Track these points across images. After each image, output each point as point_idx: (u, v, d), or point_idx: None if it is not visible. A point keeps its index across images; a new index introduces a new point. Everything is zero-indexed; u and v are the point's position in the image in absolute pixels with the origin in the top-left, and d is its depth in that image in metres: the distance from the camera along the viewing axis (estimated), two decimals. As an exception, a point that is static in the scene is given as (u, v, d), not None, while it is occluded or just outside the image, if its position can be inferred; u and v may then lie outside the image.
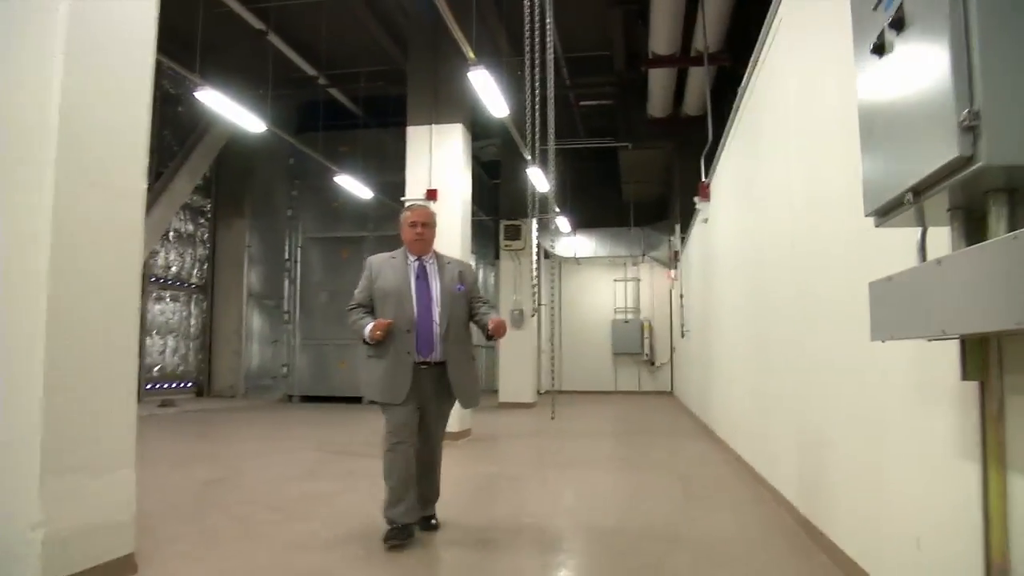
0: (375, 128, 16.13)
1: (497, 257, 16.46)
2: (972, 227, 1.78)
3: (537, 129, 9.30)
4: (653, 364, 20.52)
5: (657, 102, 14.71)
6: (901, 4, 1.74)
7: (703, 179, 9.63)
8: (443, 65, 9.61)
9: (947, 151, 1.52)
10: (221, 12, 11.50)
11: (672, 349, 19.52)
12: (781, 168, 4.91)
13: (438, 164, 9.40)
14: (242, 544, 4.01)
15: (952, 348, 2.09)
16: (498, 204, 16.68)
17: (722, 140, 8.17)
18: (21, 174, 2.93)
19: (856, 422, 3.22)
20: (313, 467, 6.86)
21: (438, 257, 4.35)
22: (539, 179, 11.58)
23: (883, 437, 2.83)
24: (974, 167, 1.48)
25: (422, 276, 4.22)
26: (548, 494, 5.76)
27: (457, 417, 8.47)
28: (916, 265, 1.95)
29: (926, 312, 1.79)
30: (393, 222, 14.75)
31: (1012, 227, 1.61)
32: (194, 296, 16.80)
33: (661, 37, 11.96)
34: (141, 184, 3.41)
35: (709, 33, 11.14)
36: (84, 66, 3.06)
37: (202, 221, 17.03)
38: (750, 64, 5.99)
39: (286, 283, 17.10)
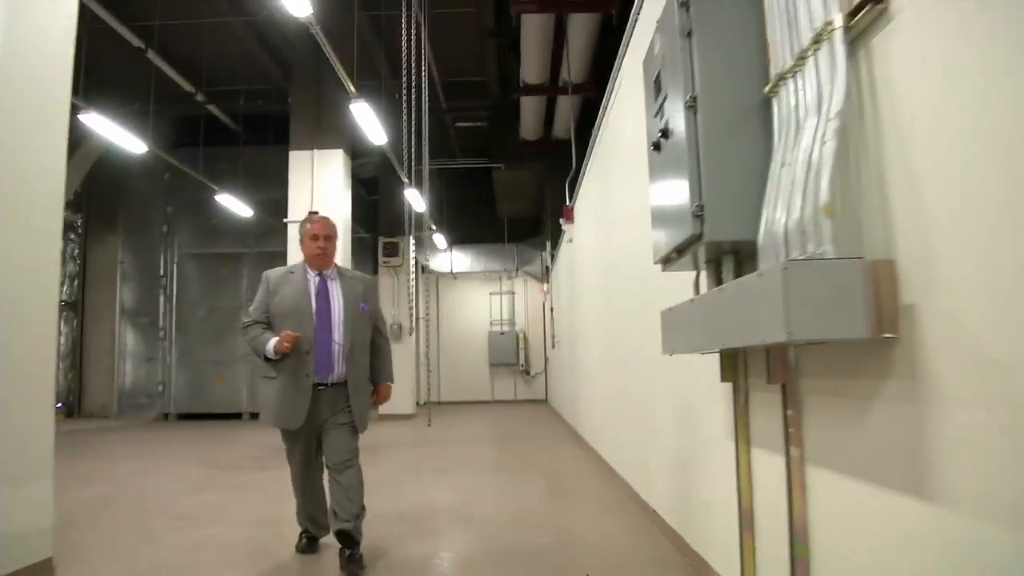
0: (255, 145, 16.28)
1: (376, 272, 16.91)
2: (719, 275, 2.55)
3: (413, 152, 9.93)
4: (528, 374, 21.41)
5: (529, 126, 15.57)
6: (667, 120, 2.49)
7: (567, 202, 10.49)
8: (325, 92, 10.10)
9: (687, 229, 2.26)
10: (99, 28, 11.51)
11: (546, 359, 20.47)
12: (623, 201, 5.73)
13: (320, 187, 9.88)
14: (149, 548, 4.42)
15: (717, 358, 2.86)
16: (377, 221, 17.14)
17: (583, 167, 9.03)
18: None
19: (675, 415, 4.02)
20: (201, 481, 7.19)
21: (340, 272, 4.09)
22: (416, 199, 12.15)
23: (695, 425, 3.61)
24: (703, 240, 2.22)
25: (323, 292, 3.94)
26: (426, 494, 6.36)
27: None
28: (684, 301, 2.71)
29: (690, 335, 2.54)
30: (273, 239, 15.11)
31: (737, 276, 2.36)
32: (63, 313, 16.38)
33: (531, 67, 12.81)
34: (57, 225, 3.83)
35: (573, 65, 12.03)
36: (6, 114, 3.47)
37: (72, 237, 16.62)
38: (604, 100, 6.83)
39: (161, 299, 16.92)
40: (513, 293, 21.67)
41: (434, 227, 16.40)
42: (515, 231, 20.11)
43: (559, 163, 13.95)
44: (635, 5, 4.87)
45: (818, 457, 2.10)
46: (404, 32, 8.94)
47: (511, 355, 21.20)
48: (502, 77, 15.12)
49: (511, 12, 11.07)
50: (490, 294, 21.74)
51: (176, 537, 4.69)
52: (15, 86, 3.52)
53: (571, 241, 10.71)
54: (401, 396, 15.79)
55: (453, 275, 20.42)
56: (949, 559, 1.51)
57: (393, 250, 16.06)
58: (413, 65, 9.21)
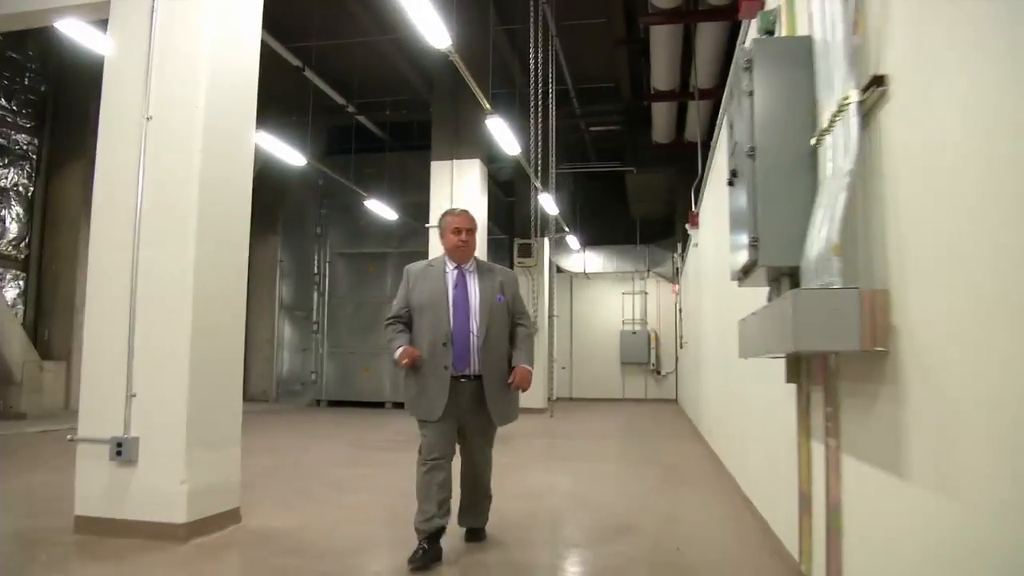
0: (399, 152, 17.43)
1: (511, 272, 17.67)
2: (778, 291, 3.00)
3: (543, 159, 10.55)
4: (659, 373, 21.63)
5: (660, 129, 15.86)
6: (736, 162, 2.97)
7: (693, 208, 10.83)
8: (463, 107, 10.87)
9: (747, 256, 2.74)
10: (263, 51, 12.83)
11: (676, 359, 20.66)
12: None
13: (458, 194, 10.67)
14: (311, 506, 5.27)
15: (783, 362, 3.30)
16: (513, 222, 17.91)
17: (705, 174, 9.36)
18: (172, 238, 4.21)
19: (763, 413, 4.44)
20: (351, 458, 8.13)
21: (479, 264, 4.13)
22: (548, 203, 12.79)
23: (775, 422, 4.04)
24: (758, 265, 2.70)
25: (461, 285, 4.00)
26: (548, 479, 6.98)
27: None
28: (750, 313, 3.17)
29: (754, 342, 3.01)
30: (415, 240, 16.19)
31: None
32: (231, 307, 18.13)
33: (660, 74, 13.16)
34: (244, 238, 4.69)
35: (701, 71, 12.29)
36: (212, 159, 4.33)
37: (239, 239, 18.37)
38: (719, 110, 7.20)
39: (315, 295, 18.41)
40: (645, 293, 21.93)
41: (567, 229, 17.02)
42: (647, 232, 20.41)
43: (690, 166, 14.18)
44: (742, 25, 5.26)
45: (849, 447, 2.54)
46: (532, 46, 9.60)
47: (642, 354, 21.48)
48: (634, 82, 15.52)
49: (639, 24, 11.51)
50: (623, 294, 22.07)
51: (332, 499, 5.53)
52: (218, 122, 4.39)
53: (696, 245, 11.03)
54: (534, 390, 16.46)
55: (586, 275, 20.95)
56: (917, 526, 1.94)
57: (527, 251, 16.73)
58: (541, 78, 9.86)
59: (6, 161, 12.23)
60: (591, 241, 19.88)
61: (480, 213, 10.89)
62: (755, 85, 2.75)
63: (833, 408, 2.64)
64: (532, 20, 9.58)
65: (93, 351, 4.32)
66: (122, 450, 4.12)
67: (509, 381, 4.02)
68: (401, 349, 3.89)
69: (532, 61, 9.64)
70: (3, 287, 12.06)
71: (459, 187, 10.69)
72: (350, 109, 16.10)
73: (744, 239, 2.86)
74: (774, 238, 2.64)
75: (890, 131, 2.14)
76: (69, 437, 4.33)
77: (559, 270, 20.36)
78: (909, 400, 1.98)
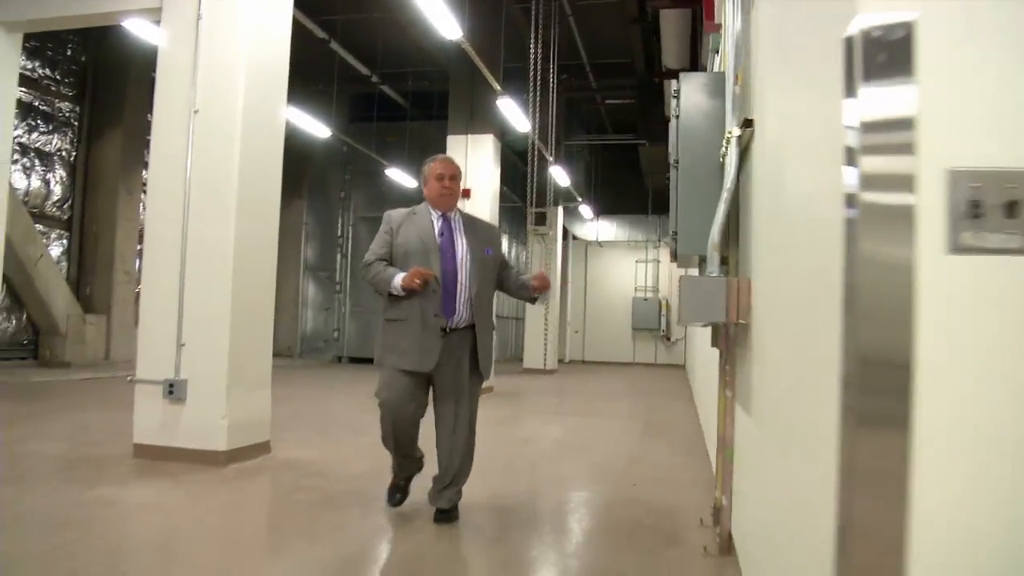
0: (420, 120, 18.12)
1: (526, 240, 18.46)
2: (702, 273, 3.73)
3: (560, 131, 11.23)
4: (669, 339, 22.39)
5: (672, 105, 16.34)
6: (678, 155, 3.69)
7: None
8: (478, 85, 11.53)
9: (673, 245, 3.49)
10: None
11: (685, 327, 21.39)
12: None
13: (472, 167, 11.39)
14: (328, 443, 6.13)
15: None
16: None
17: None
18: (216, 215, 5.01)
19: (711, 373, 5.20)
20: (368, 406, 8.96)
21: (463, 215, 3.99)
22: (559, 175, 13.47)
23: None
24: (678, 251, 3.44)
25: (447, 234, 3.83)
26: (543, 428, 7.81)
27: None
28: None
29: (684, 312, 3.76)
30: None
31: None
32: (259, 267, 19.11)
33: (671, 53, 13.66)
34: (275, 218, 5.50)
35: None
36: (249, 149, 5.11)
37: (266, 201, 19.29)
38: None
39: (338, 257, 19.28)
40: (658, 261, 22.59)
41: (580, 199, 17.71)
42: (659, 203, 21.01)
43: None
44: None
45: (737, 397, 3.30)
46: (533, 30, 10.24)
47: (653, 320, 22.23)
48: (647, 58, 16.04)
49: (647, 8, 12.06)
50: (636, 262, 22.76)
51: (348, 439, 6.39)
52: (254, 117, 5.16)
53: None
54: (547, 353, 17.34)
55: (599, 243, 21.65)
56: (768, 456, 2.70)
57: (542, 219, 17.44)
58: (555, 57, 10.52)
59: (50, 127, 13.09)
60: (605, 210, 20.57)
61: (493, 183, 11.62)
62: (680, 110, 3.47)
63: (730, 367, 3.40)
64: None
65: (149, 308, 5.18)
66: (173, 390, 4.98)
67: (535, 287, 3.96)
68: (402, 274, 3.64)
69: (532, 44, 10.30)
70: (49, 245, 13.00)
71: (473, 160, 11.39)
72: (374, 79, 16.77)
73: (673, 228, 3.61)
74: (688, 234, 3.38)
75: (756, 161, 2.86)
76: (129, 379, 5.20)
77: (574, 238, 21.09)
78: (755, 360, 2.73)
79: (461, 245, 3.84)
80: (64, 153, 13.35)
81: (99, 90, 13.63)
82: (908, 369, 1.13)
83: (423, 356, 3.68)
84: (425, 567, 3.35)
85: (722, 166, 3.35)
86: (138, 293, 14.41)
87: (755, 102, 2.83)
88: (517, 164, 20.72)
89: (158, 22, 5.41)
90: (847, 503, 1.20)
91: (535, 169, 13.34)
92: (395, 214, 3.93)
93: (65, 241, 13.44)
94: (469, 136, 11.50)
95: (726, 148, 3.05)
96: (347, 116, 18.52)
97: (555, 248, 17.45)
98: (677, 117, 3.47)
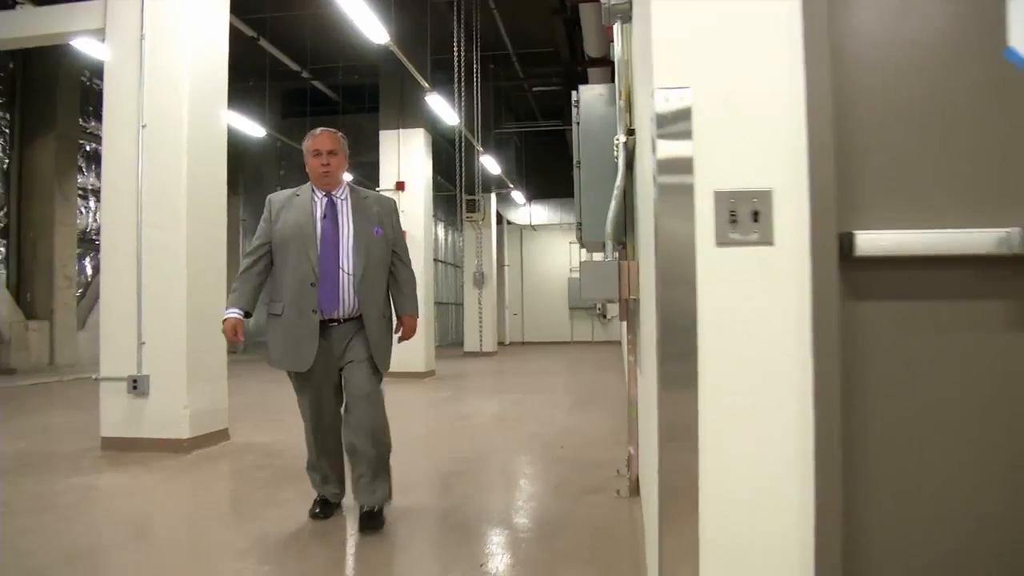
0: (352, 114, 18.41)
1: (461, 227, 18.96)
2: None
3: (489, 120, 11.75)
4: (605, 317, 23.18)
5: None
6: (579, 156, 4.25)
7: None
8: (408, 82, 11.97)
9: (579, 234, 4.06)
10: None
11: (619, 303, 22.18)
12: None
13: (405, 161, 11.86)
14: (281, 429, 6.58)
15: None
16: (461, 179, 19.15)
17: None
18: (168, 221, 5.41)
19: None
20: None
21: (352, 192, 3.66)
22: (489, 164, 14.00)
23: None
24: (584, 239, 4.02)
25: (330, 215, 3.53)
26: (481, 406, 8.38)
27: (424, 359, 11.11)
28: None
29: (584, 290, 4.36)
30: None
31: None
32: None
33: (591, 43, 14.31)
34: (222, 220, 5.92)
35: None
36: (195, 157, 5.52)
37: (201, 198, 19.37)
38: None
39: (276, 252, 19.45)
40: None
41: (511, 185, 18.27)
42: (590, 185, 21.71)
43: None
44: None
45: (637, 361, 3.90)
46: (456, 24, 10.71)
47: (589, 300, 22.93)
48: (571, 46, 16.64)
49: (565, 1, 12.63)
50: (569, 243, 23.43)
51: (299, 424, 6.82)
52: (198, 128, 5.56)
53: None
54: (484, 335, 17.91)
55: (533, 227, 22.27)
56: (645, 400, 3.30)
57: (474, 206, 17.97)
58: (479, 49, 11.01)
59: (-20, 136, 13.09)
60: (538, 195, 21.18)
61: (425, 176, 12.09)
62: (580, 117, 4.04)
63: (632, 335, 4.01)
64: None
65: (109, 310, 5.56)
66: (137, 385, 5.38)
67: (396, 331, 3.74)
68: (226, 316, 3.51)
69: (455, 41, 10.78)
70: (-15, 253, 13.04)
71: (405, 154, 11.85)
72: (304, 75, 17.02)
73: (578, 219, 4.18)
74: (590, 224, 3.96)
75: (638, 164, 3.45)
76: (94, 377, 5.59)
77: (509, 223, 21.66)
78: (641, 329, 3.33)
79: (346, 227, 3.53)
80: (-7, 159, 13.35)
81: (28, 96, 13.61)
82: (694, 332, 1.71)
83: (299, 354, 3.45)
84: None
85: (615, 166, 3.93)
86: (79, 297, 14.54)
87: (636, 114, 3.41)
88: (451, 153, 21.20)
89: (103, 40, 5.75)
90: (662, 447, 1.77)
91: (463, 161, 13.86)
92: (276, 198, 3.65)
93: (3, 248, 13.44)
94: (401, 131, 11.94)
95: (617, 152, 3.62)
96: (280, 112, 18.71)
97: (489, 234, 17.99)
98: (578, 124, 4.04)
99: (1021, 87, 1.72)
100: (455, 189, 21.02)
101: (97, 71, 14.28)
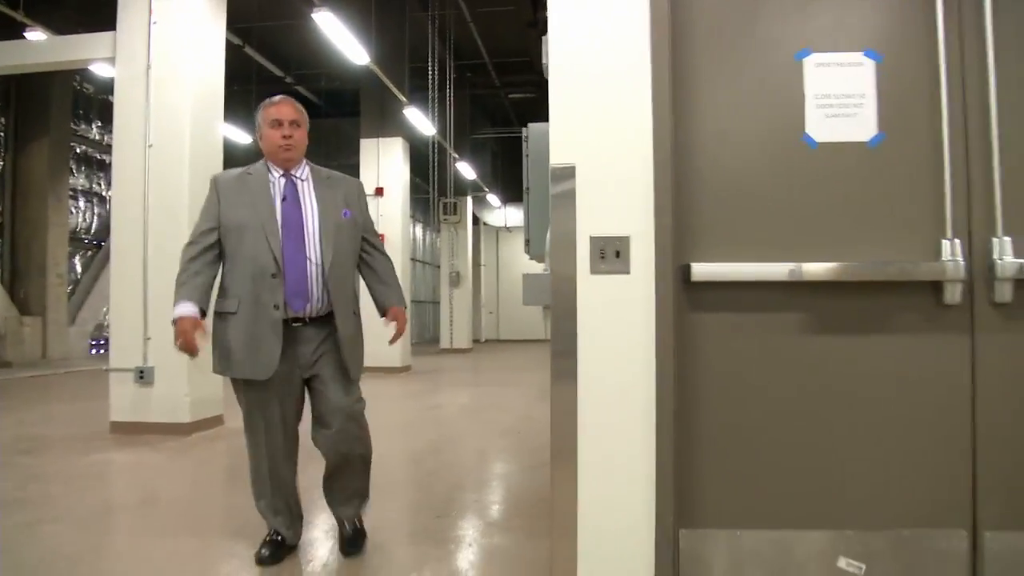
0: (335, 118, 19.09)
1: (438, 229, 19.70)
2: (555, 267, 5.08)
3: (466, 126, 12.52)
4: (576, 315, 23.94)
5: (569, 100, 17.79)
6: (528, 183, 5.02)
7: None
8: (387, 93, 12.69)
9: (527, 248, 4.83)
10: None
11: (592, 302, 23.05)
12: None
13: (384, 168, 12.58)
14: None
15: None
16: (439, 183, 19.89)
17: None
18: (172, 231, 6.12)
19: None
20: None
21: (313, 171, 3.12)
22: (465, 169, 14.76)
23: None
24: (531, 254, 4.79)
25: (291, 197, 2.99)
26: (453, 398, 9.14)
27: (400, 354, 11.84)
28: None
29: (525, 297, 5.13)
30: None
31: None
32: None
33: (563, 56, 15.08)
34: (219, 226, 6.62)
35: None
36: (196, 172, 6.23)
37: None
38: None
39: (260, 251, 20.07)
40: (564, 243, 24.11)
41: (487, 189, 19.04)
42: (564, 188, 22.50)
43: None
44: None
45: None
46: (431, 39, 11.43)
47: (562, 298, 23.72)
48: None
49: (537, 17, 13.40)
50: (544, 244, 24.21)
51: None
52: (199, 147, 6.27)
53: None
54: (460, 333, 18.67)
55: (508, 229, 23.05)
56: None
57: (452, 209, 18.73)
58: (454, 63, 11.75)
59: (-23, 140, 13.68)
60: (513, 198, 21.96)
61: (403, 182, 12.83)
62: (529, 151, 4.80)
63: (570, 334, 4.78)
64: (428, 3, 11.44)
65: (119, 307, 6.26)
66: (143, 375, 6.10)
67: (387, 325, 3.22)
68: (180, 313, 2.89)
69: (430, 57, 11.53)
70: (-20, 252, 13.63)
71: (385, 161, 12.58)
72: (288, 80, 17.68)
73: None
74: (535, 240, 4.72)
75: (572, 193, 4.22)
76: (104, 368, 6.29)
77: (485, 225, 22.43)
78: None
79: (311, 210, 3.01)
80: (-9, 163, 13.93)
81: (23, 101, 14.19)
82: (575, 336, 2.48)
83: (258, 358, 2.86)
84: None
85: (559, 192, 4.70)
86: (69, 293, 15.14)
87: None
88: (430, 156, 21.96)
89: (113, 65, 6.44)
90: (553, 426, 2.53)
91: (436, 170, 14.61)
92: (223, 177, 3.09)
93: (-2, 248, 14.06)
94: (380, 140, 12.65)
95: (556, 182, 4.39)
96: (263, 115, 19.33)
97: (465, 235, 18.75)
98: (527, 156, 4.80)
99: (810, 162, 2.51)
100: (435, 191, 21.86)
101: (89, 76, 14.90)
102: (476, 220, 21.28)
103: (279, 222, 2.94)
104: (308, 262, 2.95)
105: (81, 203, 15.67)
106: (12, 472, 4.82)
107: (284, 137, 3.00)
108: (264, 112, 3.07)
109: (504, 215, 21.95)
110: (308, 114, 3.22)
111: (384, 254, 3.31)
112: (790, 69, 2.53)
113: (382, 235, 3.68)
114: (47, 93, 14.11)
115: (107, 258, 15.99)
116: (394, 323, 3.23)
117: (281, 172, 3.05)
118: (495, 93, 19.07)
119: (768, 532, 2.47)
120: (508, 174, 22.40)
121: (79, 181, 15.61)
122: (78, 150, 15.57)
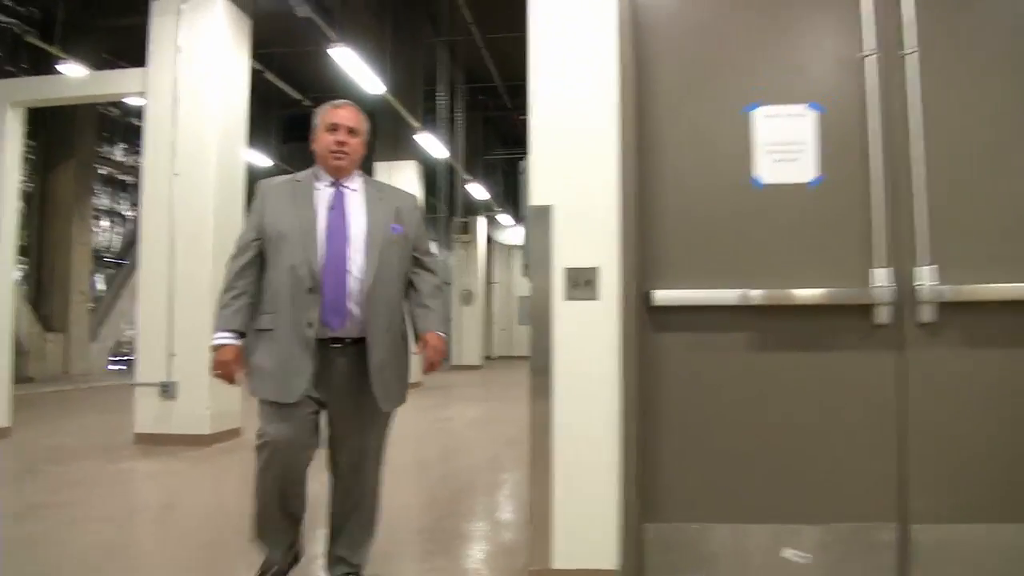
0: (351, 139, 19.58)
1: (450, 248, 20.13)
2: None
3: (479, 148, 12.93)
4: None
5: (578, 122, 18.27)
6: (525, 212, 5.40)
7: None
8: (401, 120, 13.13)
9: (526, 271, 5.19)
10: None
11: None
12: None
13: (397, 190, 12.98)
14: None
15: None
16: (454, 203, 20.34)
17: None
18: (197, 255, 6.52)
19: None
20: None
21: (366, 182, 2.91)
22: (476, 190, 15.17)
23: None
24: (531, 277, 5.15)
25: (338, 207, 2.76)
26: (463, 411, 9.50)
27: (413, 370, 12.17)
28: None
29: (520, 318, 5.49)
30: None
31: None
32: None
33: (572, 79, 15.52)
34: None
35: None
36: (220, 200, 6.64)
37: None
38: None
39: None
40: (576, 261, 24.46)
41: (499, 208, 19.46)
42: (574, 208, 22.87)
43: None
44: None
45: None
46: (439, 71, 11.88)
47: (574, 316, 24.06)
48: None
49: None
50: (555, 262, 24.55)
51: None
52: (223, 176, 6.69)
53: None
54: (471, 350, 19.02)
55: (520, 247, 23.44)
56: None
57: (464, 228, 19.17)
58: (466, 90, 12.19)
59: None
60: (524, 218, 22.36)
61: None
62: (525, 183, 5.18)
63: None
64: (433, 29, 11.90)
65: (146, 327, 6.67)
66: (167, 389, 6.49)
67: (416, 352, 2.93)
68: (220, 342, 2.71)
69: (439, 87, 11.97)
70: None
71: (398, 184, 12.93)
72: (306, 103, 18.19)
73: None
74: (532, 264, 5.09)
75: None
76: (130, 383, 6.68)
77: (498, 244, 22.84)
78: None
79: (359, 223, 2.77)
80: (21, 186, 14.45)
81: (52, 127, 14.77)
82: (550, 353, 2.83)
83: (287, 382, 2.63)
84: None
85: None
86: (91, 311, 15.64)
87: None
88: (443, 176, 22.43)
89: (144, 98, 6.89)
90: (533, 438, 2.88)
91: (452, 192, 15.02)
92: (270, 184, 2.88)
93: (24, 266, 14.56)
94: (394, 163, 13.09)
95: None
96: (281, 136, 19.88)
97: (476, 254, 19.15)
98: (523, 187, 5.17)
99: (757, 201, 2.86)
100: (446, 211, 22.30)
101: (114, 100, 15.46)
102: (489, 239, 21.69)
103: (322, 233, 2.70)
104: (348, 276, 2.69)
105: (104, 223, 16.21)
106: (45, 479, 5.22)
107: (338, 143, 2.76)
108: (323, 115, 2.83)
109: (517, 234, 22.37)
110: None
111: (432, 271, 2.99)
112: (741, 120, 2.90)
113: None
114: (74, 116, 14.68)
115: (128, 276, 16.58)
116: (426, 347, 2.86)
117: (330, 181, 2.81)
118: (507, 115, 19.54)
119: (723, 526, 2.81)
120: (520, 194, 22.79)
121: (102, 201, 16.15)
122: (102, 171, 16.13)
